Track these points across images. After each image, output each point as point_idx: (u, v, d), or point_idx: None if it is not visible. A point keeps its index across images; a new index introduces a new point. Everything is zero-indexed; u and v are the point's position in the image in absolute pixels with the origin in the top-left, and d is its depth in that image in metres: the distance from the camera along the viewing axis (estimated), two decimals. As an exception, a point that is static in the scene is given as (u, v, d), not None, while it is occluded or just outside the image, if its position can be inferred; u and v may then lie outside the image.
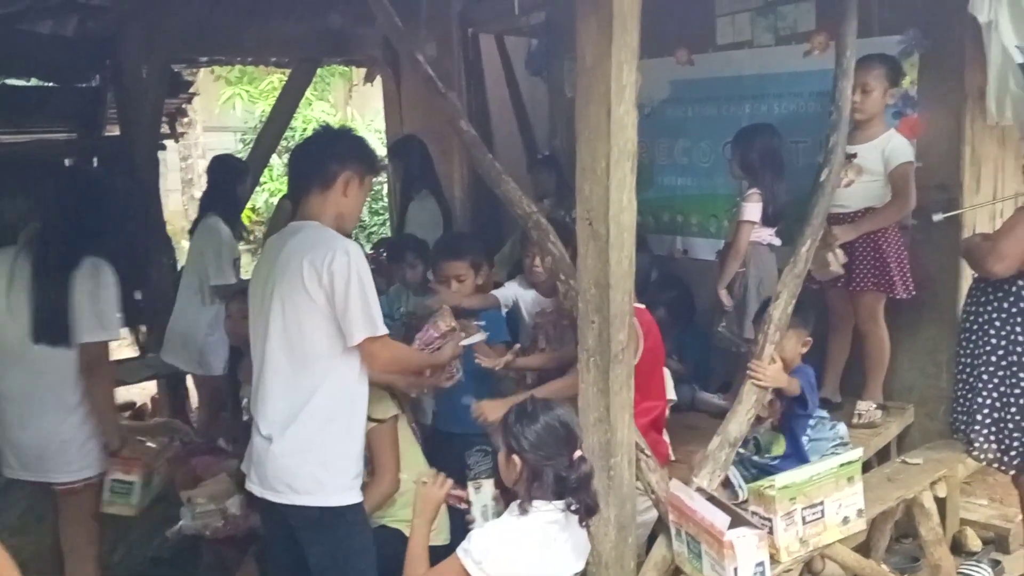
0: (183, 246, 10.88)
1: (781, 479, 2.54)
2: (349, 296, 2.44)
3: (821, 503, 2.59)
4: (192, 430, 4.76)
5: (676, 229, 4.67)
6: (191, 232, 4.74)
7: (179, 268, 5.61)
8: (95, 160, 5.69)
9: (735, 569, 2.25)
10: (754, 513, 2.59)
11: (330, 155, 2.61)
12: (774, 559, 2.53)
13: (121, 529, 4.20)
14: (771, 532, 2.52)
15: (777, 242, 3.79)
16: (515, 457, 2.35)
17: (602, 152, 2.43)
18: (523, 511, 2.34)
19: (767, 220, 3.76)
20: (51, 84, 5.72)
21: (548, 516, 2.34)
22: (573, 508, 2.35)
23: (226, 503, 3.14)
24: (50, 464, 2.99)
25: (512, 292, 3.75)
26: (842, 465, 2.65)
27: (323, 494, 2.53)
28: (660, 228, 4.68)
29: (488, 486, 2.59)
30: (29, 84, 5.87)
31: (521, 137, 5.69)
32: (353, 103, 12.48)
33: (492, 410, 3.00)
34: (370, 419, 2.80)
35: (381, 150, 8.96)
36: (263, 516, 2.84)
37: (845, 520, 2.65)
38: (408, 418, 3.21)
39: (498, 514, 2.52)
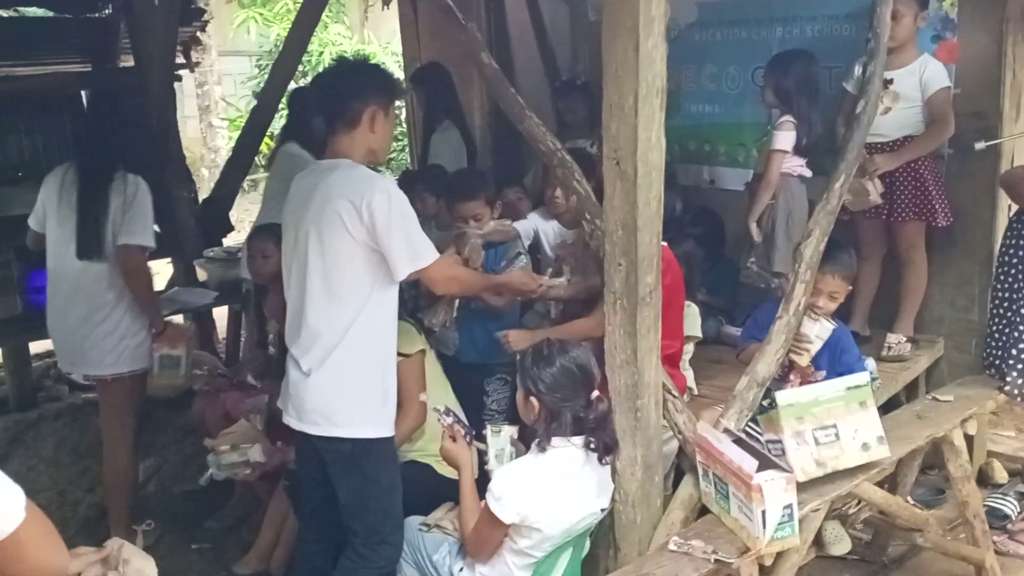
0: (202, 174, 10.92)
1: (782, 396, 2.53)
2: (392, 233, 2.47)
3: (834, 425, 2.55)
4: (220, 362, 4.84)
5: (703, 159, 4.56)
6: (269, 162, 4.66)
7: (199, 201, 5.61)
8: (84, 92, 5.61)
9: (763, 512, 2.25)
10: (768, 442, 2.58)
11: (352, 93, 2.58)
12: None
13: (156, 449, 4.31)
14: (783, 454, 2.51)
15: (808, 173, 3.69)
16: (532, 399, 2.38)
17: (629, 88, 2.34)
18: (541, 449, 2.38)
19: (799, 150, 3.65)
20: (62, 15, 5.61)
21: (567, 453, 2.37)
22: (592, 446, 2.37)
23: (248, 452, 3.18)
24: (89, 360, 3.46)
25: (533, 224, 3.71)
26: (849, 388, 2.58)
27: (356, 426, 2.58)
28: (687, 157, 4.57)
29: (506, 431, 2.63)
30: (40, 15, 5.76)
31: (543, 63, 5.51)
32: (369, 25, 12.21)
33: (519, 340, 3.05)
34: (397, 353, 2.83)
35: (399, 74, 8.83)
36: (297, 451, 2.91)
37: (865, 446, 2.59)
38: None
39: (513, 459, 2.55)
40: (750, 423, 2.75)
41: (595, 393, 2.40)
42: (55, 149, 5.51)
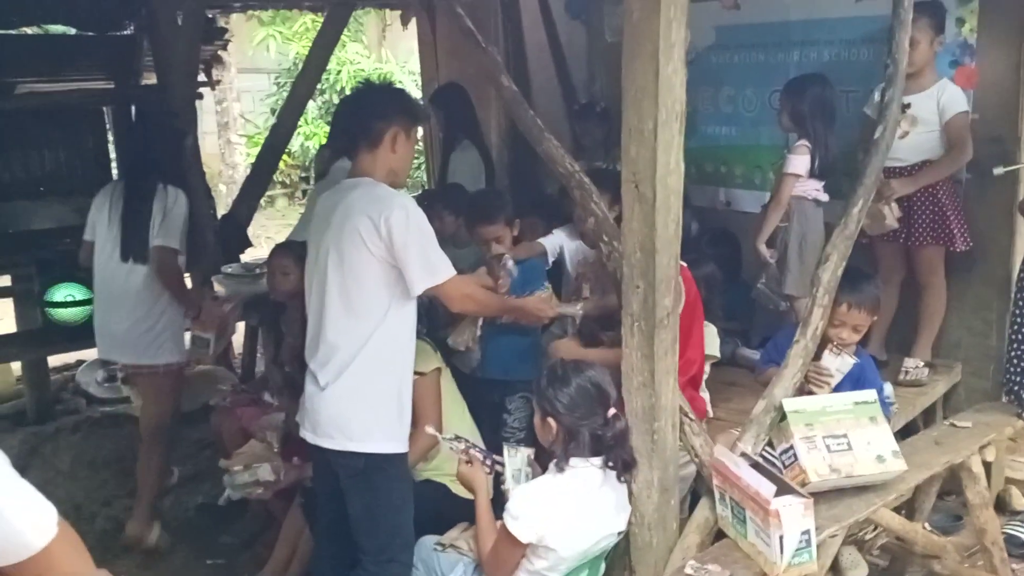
0: (220, 190, 11.00)
1: (788, 404, 2.57)
2: (408, 249, 2.52)
3: (845, 435, 2.60)
4: (236, 377, 4.87)
5: (719, 180, 4.57)
6: (319, 176, 4.94)
7: (218, 217, 5.66)
8: (132, 109, 5.68)
9: (781, 537, 2.24)
10: (782, 452, 2.61)
11: (374, 114, 2.65)
12: (803, 483, 2.54)
13: (172, 463, 4.33)
14: (796, 459, 2.55)
15: (825, 197, 3.69)
16: (550, 420, 2.39)
17: (649, 113, 2.35)
18: (560, 469, 2.38)
19: (815, 173, 3.66)
20: (86, 32, 5.69)
21: (586, 473, 2.37)
22: (610, 464, 2.37)
23: (257, 472, 3.20)
24: (133, 350, 3.79)
25: (559, 241, 3.74)
26: (856, 403, 2.65)
27: (370, 441, 2.60)
28: (703, 179, 4.58)
29: (523, 452, 2.63)
30: (64, 32, 5.85)
31: (559, 83, 5.56)
32: (387, 44, 12.32)
33: (567, 349, 3.06)
34: (413, 372, 2.85)
35: (417, 93, 8.89)
36: (314, 467, 2.92)
37: (880, 458, 2.63)
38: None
39: (530, 479, 2.55)
40: (767, 447, 2.75)
41: (612, 411, 2.40)
42: (77, 165, 5.57)
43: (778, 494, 2.26)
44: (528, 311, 3.02)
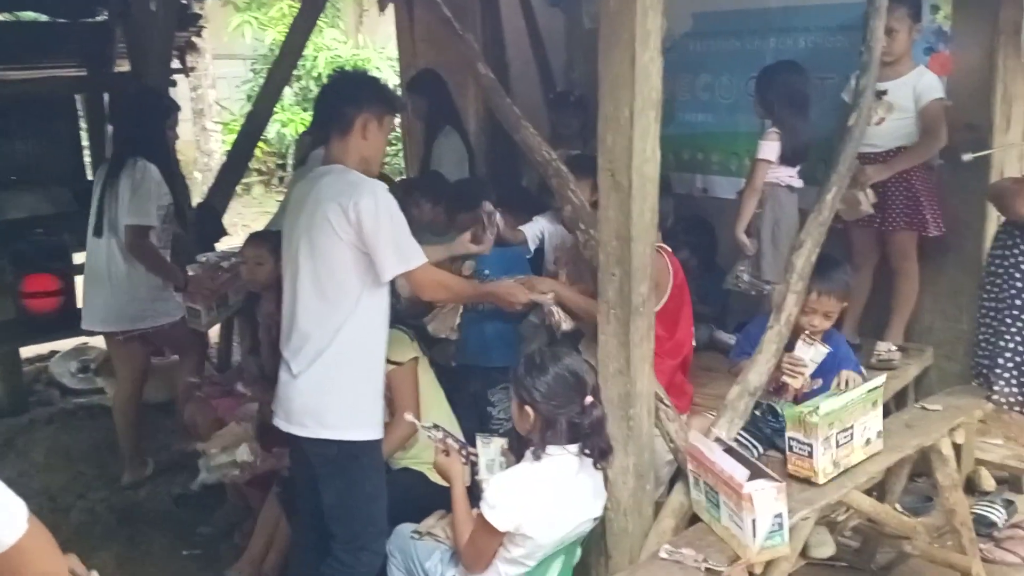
0: (196, 178, 10.90)
1: (824, 406, 2.60)
2: (379, 234, 2.52)
3: (851, 427, 2.68)
4: (211, 367, 4.84)
5: (696, 167, 4.59)
6: (299, 163, 4.93)
7: (194, 205, 5.61)
8: (105, 97, 5.62)
9: (754, 521, 2.27)
10: (792, 439, 2.66)
11: (345, 100, 2.65)
12: (811, 482, 2.62)
13: (147, 453, 4.31)
14: (810, 456, 2.61)
15: (799, 183, 3.71)
16: (527, 408, 2.39)
17: (625, 101, 2.37)
18: (536, 457, 2.39)
19: (786, 159, 3.68)
20: (58, 20, 5.61)
21: (562, 460, 2.38)
22: (587, 452, 2.39)
23: (235, 453, 3.19)
24: (112, 321, 4.01)
25: (540, 227, 3.74)
26: (870, 390, 2.73)
27: (344, 428, 2.60)
28: (680, 166, 4.59)
29: (496, 442, 2.65)
30: (36, 20, 5.76)
31: (538, 71, 5.54)
32: (364, 29, 12.23)
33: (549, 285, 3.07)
34: (389, 361, 2.85)
35: (395, 79, 8.83)
36: (291, 456, 2.92)
37: (867, 441, 2.75)
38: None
39: (504, 469, 2.56)
40: (741, 431, 2.78)
41: (589, 399, 2.41)
42: (50, 154, 5.51)
43: (751, 478, 2.29)
44: (500, 296, 3.02)
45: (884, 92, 3.51)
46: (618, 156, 2.41)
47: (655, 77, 2.37)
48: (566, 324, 2.89)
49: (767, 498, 2.28)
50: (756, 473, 2.34)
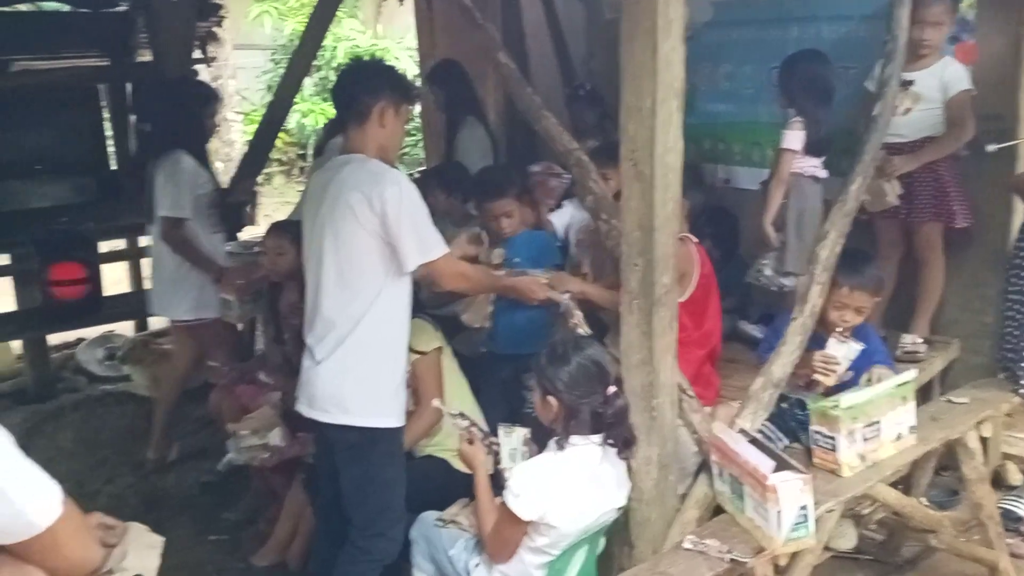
0: (217, 168, 10.94)
1: (846, 400, 2.60)
2: (401, 224, 2.53)
3: (878, 421, 2.67)
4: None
5: (718, 157, 4.55)
6: (317, 152, 5.04)
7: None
8: (128, 87, 5.66)
9: (779, 512, 2.26)
10: (816, 432, 2.66)
11: (361, 88, 2.67)
12: (836, 474, 2.62)
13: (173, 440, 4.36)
14: (834, 450, 2.61)
15: (823, 174, 3.68)
16: (550, 398, 2.39)
17: (647, 90, 2.35)
18: (560, 447, 2.39)
19: (811, 150, 3.64)
20: (80, 10, 5.65)
21: (586, 450, 2.38)
22: (610, 442, 2.39)
23: (268, 436, 3.21)
24: (163, 305, 4.23)
25: (567, 215, 3.74)
26: (899, 385, 2.72)
27: (365, 415, 2.63)
28: (701, 156, 4.55)
29: (519, 432, 2.65)
30: (58, 10, 5.80)
31: (557, 60, 5.53)
32: (383, 19, 12.21)
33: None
34: (413, 351, 2.86)
35: (414, 69, 8.81)
36: (316, 443, 2.95)
37: (898, 437, 2.75)
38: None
39: (526, 459, 2.57)
40: (797, 411, 2.76)
41: (612, 389, 2.41)
42: (73, 143, 5.57)
43: (776, 470, 2.28)
44: (520, 290, 3.02)
45: (911, 82, 3.46)
46: (640, 146, 2.39)
47: (677, 66, 2.36)
48: (582, 329, 2.89)
49: (792, 490, 2.27)
50: (781, 464, 2.33)
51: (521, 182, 3.71)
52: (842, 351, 2.85)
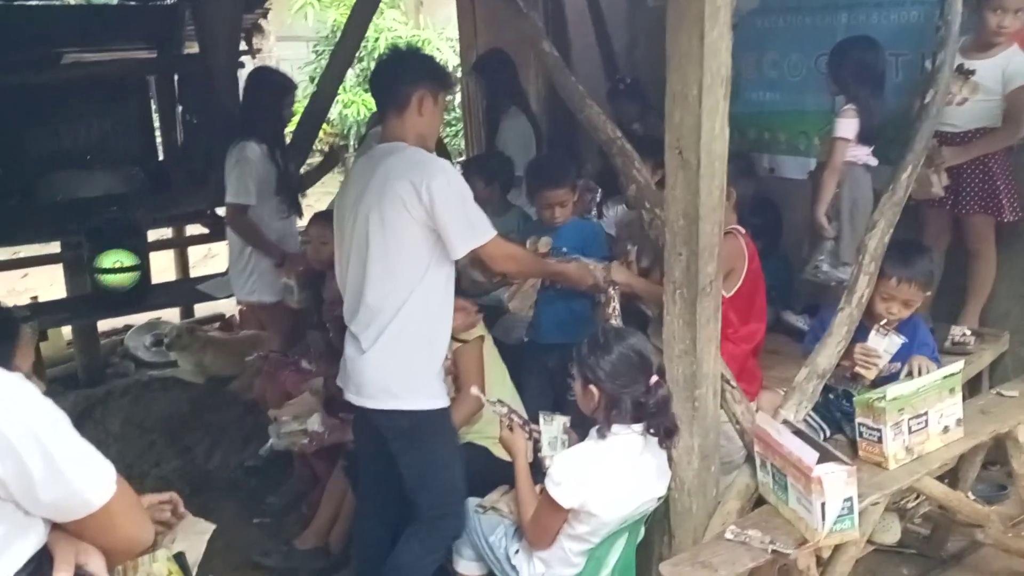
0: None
1: (891, 391, 2.57)
2: (451, 212, 2.56)
3: (925, 413, 2.64)
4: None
5: (763, 147, 4.49)
6: (360, 140, 4.93)
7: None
8: (176, 78, 5.74)
9: (823, 504, 2.24)
10: (861, 424, 2.63)
11: (400, 77, 2.68)
12: (882, 467, 2.59)
13: (215, 437, 4.46)
14: (880, 441, 2.58)
15: (874, 162, 3.62)
16: (592, 387, 2.39)
17: (694, 78, 2.33)
18: (601, 436, 2.39)
19: (863, 138, 3.58)
20: (129, 2, 5.75)
21: (627, 440, 2.38)
22: (652, 431, 2.38)
23: (307, 422, 3.24)
24: (235, 287, 4.34)
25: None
26: (945, 377, 2.68)
27: (414, 398, 2.67)
28: (746, 145, 4.51)
29: (559, 420, 2.66)
30: (108, 3, 5.91)
31: (599, 49, 5.49)
32: (424, 10, 12.25)
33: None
34: (455, 339, 2.87)
35: (455, 60, 8.82)
36: (355, 429, 2.98)
37: (945, 429, 2.71)
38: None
39: (566, 447, 2.57)
40: (843, 402, 2.74)
41: (654, 378, 2.40)
42: (122, 134, 5.68)
43: (820, 461, 2.26)
44: (569, 276, 3.02)
45: (972, 71, 3.38)
46: (686, 134, 2.37)
47: (724, 53, 2.33)
48: (616, 321, 2.88)
49: (837, 481, 2.25)
50: (825, 456, 2.30)
51: (577, 173, 3.70)
52: (883, 344, 2.81)
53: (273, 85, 4.24)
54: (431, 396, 2.69)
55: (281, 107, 4.21)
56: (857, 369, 2.83)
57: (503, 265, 2.84)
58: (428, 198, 2.52)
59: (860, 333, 2.82)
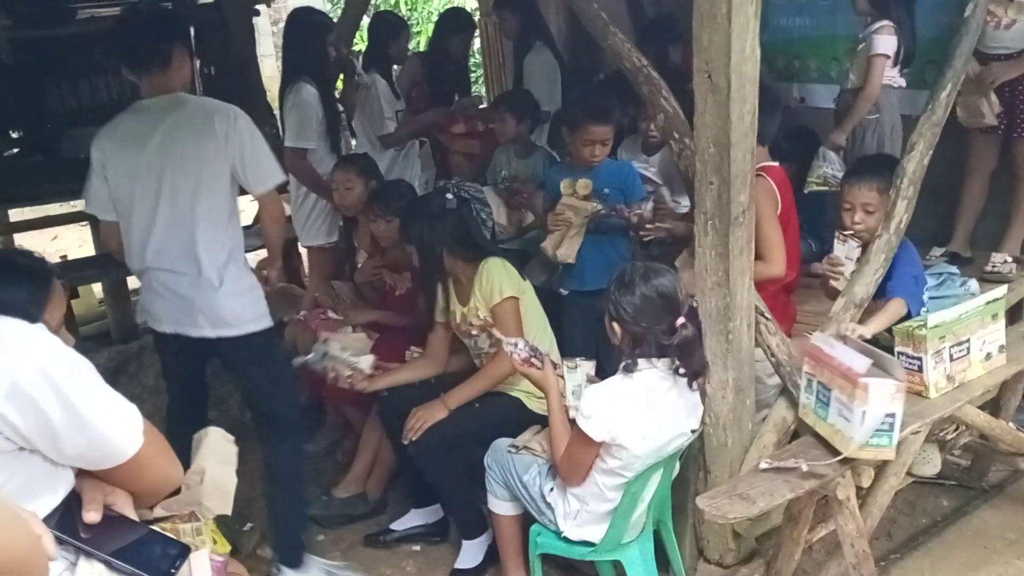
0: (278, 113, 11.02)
1: (932, 319, 2.50)
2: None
3: (967, 340, 2.58)
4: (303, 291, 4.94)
5: (793, 75, 4.36)
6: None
7: (281, 135, 5.67)
8: (191, 29, 5.65)
9: (863, 413, 2.16)
10: (900, 354, 2.56)
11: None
12: (923, 395, 2.53)
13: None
14: (920, 370, 2.51)
15: (903, 83, 3.49)
16: (615, 324, 2.39)
17: (722, -4, 2.23)
18: (628, 372, 2.36)
19: (897, 59, 3.45)
20: (142, -48, 5.64)
21: (653, 375, 2.37)
22: (680, 372, 2.35)
23: (360, 359, 3.18)
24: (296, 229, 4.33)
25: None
26: (988, 303, 2.61)
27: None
28: (775, 75, 4.37)
29: (582, 367, 2.64)
30: (120, -46, 5.81)
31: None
32: (440, -47, 11.97)
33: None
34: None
35: (472, 2, 8.63)
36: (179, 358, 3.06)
37: (988, 356, 2.65)
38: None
39: None
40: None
41: (680, 320, 2.35)
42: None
43: (870, 373, 2.18)
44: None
45: None
46: (715, 56, 2.28)
47: (755, -31, 2.23)
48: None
49: (883, 392, 2.15)
50: (879, 364, 2.22)
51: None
52: (843, 251, 2.75)
53: (315, 24, 4.16)
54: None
55: (324, 46, 4.14)
56: (830, 283, 2.78)
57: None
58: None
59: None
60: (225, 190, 2.73)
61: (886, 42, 3.37)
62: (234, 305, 2.76)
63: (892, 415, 2.19)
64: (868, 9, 3.53)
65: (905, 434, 2.37)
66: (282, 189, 3.46)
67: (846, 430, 2.23)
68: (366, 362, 3.15)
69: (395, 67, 4.81)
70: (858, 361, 2.18)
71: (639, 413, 2.33)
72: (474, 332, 3.04)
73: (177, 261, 2.73)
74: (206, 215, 2.69)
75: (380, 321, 3.66)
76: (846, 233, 2.76)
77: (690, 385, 2.41)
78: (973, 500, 3.24)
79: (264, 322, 2.84)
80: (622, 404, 2.33)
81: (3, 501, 1.05)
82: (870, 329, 2.58)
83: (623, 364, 2.40)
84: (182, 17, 5.33)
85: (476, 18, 6.53)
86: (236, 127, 2.67)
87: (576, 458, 2.43)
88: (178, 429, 2.10)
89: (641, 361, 2.36)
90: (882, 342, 2.82)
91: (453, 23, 4.99)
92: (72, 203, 6.16)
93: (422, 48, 8.03)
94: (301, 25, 4.14)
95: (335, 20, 4.78)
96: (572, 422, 2.45)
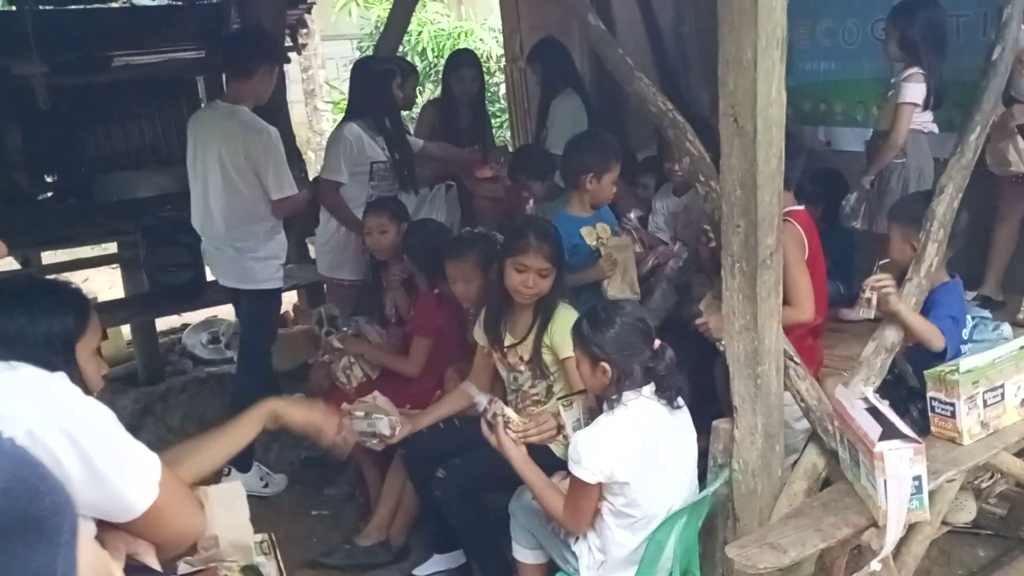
0: (309, 157, 11.19)
1: (965, 363, 2.46)
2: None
3: (1002, 386, 2.53)
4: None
5: (818, 119, 4.36)
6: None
7: (311, 179, 5.74)
8: (224, 77, 5.78)
9: (885, 482, 2.12)
10: (933, 399, 2.52)
11: None
12: (956, 442, 2.48)
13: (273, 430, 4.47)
14: (954, 416, 2.47)
15: (935, 128, 3.47)
16: (603, 364, 2.38)
17: (748, 40, 2.23)
18: (611, 408, 2.38)
19: (927, 104, 3.43)
20: (175, 3, 5.82)
21: (642, 403, 2.37)
22: (665, 395, 2.38)
23: (376, 424, 3.17)
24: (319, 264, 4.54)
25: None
26: (1022, 348, 2.57)
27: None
28: (801, 118, 4.37)
29: (577, 403, 2.63)
30: (155, 4, 5.98)
31: (644, 27, 5.39)
32: (466, 1, 12.22)
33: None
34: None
35: (498, 49, 8.75)
36: None
37: (1023, 402, 2.59)
38: None
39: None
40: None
41: (657, 342, 2.40)
42: (174, 134, 5.75)
43: (886, 436, 2.14)
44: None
45: None
46: (741, 100, 2.28)
47: (779, 13, 2.23)
48: None
49: (901, 458, 2.12)
50: (891, 432, 2.19)
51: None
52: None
53: (374, 73, 4.30)
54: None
55: (392, 88, 4.24)
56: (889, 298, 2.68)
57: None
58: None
59: None
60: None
61: (914, 90, 3.36)
62: None
63: (918, 477, 2.14)
64: (899, 55, 3.52)
65: (940, 482, 2.32)
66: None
67: (875, 498, 2.19)
68: (383, 426, 3.14)
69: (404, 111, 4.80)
70: (872, 428, 2.15)
71: (631, 446, 2.32)
72: (521, 368, 3.02)
73: None
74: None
75: (377, 360, 3.68)
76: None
77: (672, 404, 2.41)
78: (1011, 551, 3.14)
79: None
80: (612, 441, 2.31)
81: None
82: (903, 308, 2.55)
83: (607, 402, 2.40)
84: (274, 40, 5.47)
85: (503, 64, 6.62)
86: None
87: (576, 504, 2.40)
88: None
89: (627, 394, 2.36)
90: (908, 381, 2.78)
91: (453, 63, 5.04)
92: (103, 246, 6.25)
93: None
94: (360, 73, 4.33)
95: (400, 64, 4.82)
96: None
